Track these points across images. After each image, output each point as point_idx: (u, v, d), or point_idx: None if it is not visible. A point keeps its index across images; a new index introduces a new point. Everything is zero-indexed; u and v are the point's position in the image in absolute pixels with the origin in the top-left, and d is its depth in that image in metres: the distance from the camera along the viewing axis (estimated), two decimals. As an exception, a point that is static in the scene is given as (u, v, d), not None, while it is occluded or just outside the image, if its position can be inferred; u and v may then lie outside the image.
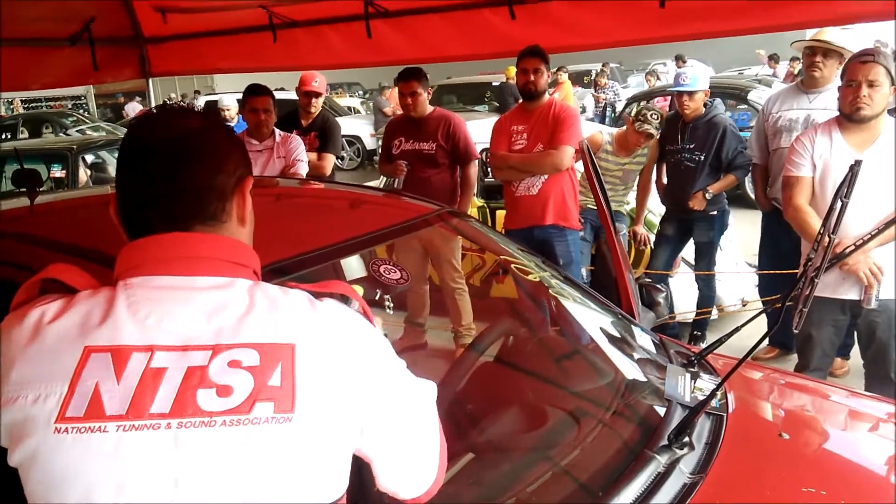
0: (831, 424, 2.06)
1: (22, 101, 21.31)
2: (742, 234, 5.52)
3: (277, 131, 4.16)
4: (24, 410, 0.89)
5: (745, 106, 9.01)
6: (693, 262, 4.62)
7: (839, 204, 1.35)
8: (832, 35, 3.95)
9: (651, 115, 4.36)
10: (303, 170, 4.07)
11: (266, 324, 0.94)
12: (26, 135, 14.97)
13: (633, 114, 4.59)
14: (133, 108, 18.70)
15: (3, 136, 14.85)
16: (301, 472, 0.91)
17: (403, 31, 4.25)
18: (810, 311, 2.91)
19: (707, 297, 4.52)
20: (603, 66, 17.12)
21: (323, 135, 4.61)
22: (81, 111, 20.75)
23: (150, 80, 5.58)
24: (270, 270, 1.12)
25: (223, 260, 1.00)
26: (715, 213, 4.38)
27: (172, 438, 0.87)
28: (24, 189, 2.19)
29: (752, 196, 4.51)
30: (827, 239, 1.38)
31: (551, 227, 3.96)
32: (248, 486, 0.88)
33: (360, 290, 1.38)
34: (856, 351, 3.51)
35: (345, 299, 1.05)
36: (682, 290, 4.64)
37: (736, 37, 3.73)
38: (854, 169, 1.34)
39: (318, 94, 4.62)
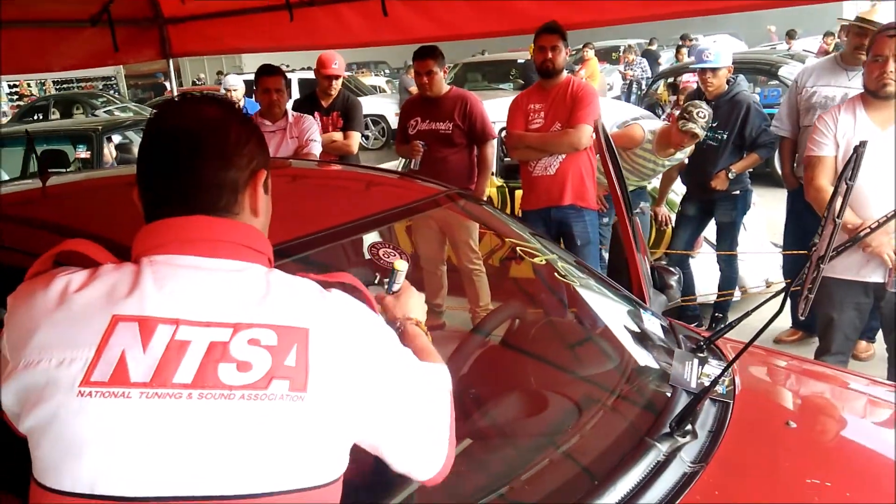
0: (843, 413, 2.00)
1: (54, 82, 21.62)
2: (769, 213, 5.40)
3: (290, 112, 4.15)
4: (47, 373, 0.92)
5: (776, 82, 8.78)
6: (715, 243, 4.54)
7: (844, 187, 1.30)
8: (882, 15, 3.77)
9: (697, 114, 3.88)
10: (316, 150, 4.06)
11: (283, 308, 0.98)
12: (58, 115, 15.20)
13: (678, 111, 4.16)
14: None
15: (35, 117, 15.12)
16: (308, 449, 0.95)
17: (419, 9, 4.21)
18: (831, 294, 2.89)
19: (729, 278, 4.45)
20: (649, 42, 16.80)
21: (346, 114, 4.60)
22: (112, 92, 20.97)
23: (178, 61, 5.61)
24: (275, 252, 1.12)
25: (242, 245, 1.04)
26: (737, 192, 4.27)
27: (193, 408, 0.90)
28: (48, 169, 2.21)
29: (781, 173, 4.38)
30: (832, 223, 1.33)
31: (569, 207, 3.91)
32: (259, 457, 0.92)
33: (405, 264, 1.37)
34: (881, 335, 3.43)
35: (350, 289, 1.09)
36: (704, 271, 4.56)
37: (765, 10, 3.61)
38: (859, 150, 1.29)
39: (337, 77, 4.59)
